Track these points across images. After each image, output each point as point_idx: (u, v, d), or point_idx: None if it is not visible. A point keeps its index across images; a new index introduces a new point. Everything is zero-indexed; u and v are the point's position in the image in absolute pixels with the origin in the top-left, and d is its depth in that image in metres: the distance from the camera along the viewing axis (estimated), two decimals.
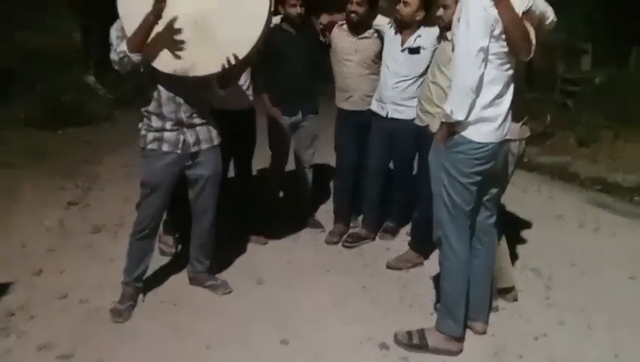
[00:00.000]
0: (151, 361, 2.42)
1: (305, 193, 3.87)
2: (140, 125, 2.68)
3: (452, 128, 2.29)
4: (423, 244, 3.31)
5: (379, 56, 3.43)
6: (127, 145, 5.34)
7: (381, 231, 3.81)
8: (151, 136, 2.64)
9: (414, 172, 3.51)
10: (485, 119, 2.26)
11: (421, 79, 3.22)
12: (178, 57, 2.45)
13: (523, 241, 3.77)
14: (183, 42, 2.44)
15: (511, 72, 2.29)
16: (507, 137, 2.40)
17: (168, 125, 2.62)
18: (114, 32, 2.48)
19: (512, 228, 3.73)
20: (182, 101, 2.61)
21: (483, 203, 2.53)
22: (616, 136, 6.11)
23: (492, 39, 2.18)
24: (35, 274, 3.09)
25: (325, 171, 4.59)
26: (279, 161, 3.71)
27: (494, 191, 2.53)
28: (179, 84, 2.56)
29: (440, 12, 2.88)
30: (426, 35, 3.19)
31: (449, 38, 2.66)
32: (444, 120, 2.31)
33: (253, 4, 2.44)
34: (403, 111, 3.30)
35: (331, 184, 4.16)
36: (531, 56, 2.30)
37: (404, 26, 3.23)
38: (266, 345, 2.55)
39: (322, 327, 2.70)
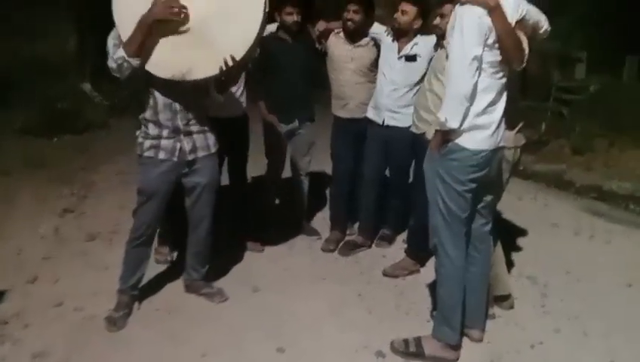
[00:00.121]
0: None
1: (301, 200, 3.87)
2: (138, 132, 2.69)
3: (446, 136, 2.31)
4: (419, 252, 3.32)
5: (375, 64, 3.45)
6: (122, 152, 5.34)
7: (377, 239, 3.80)
8: (147, 143, 2.64)
9: (410, 179, 3.51)
10: (479, 127, 2.28)
11: (417, 87, 3.24)
12: (175, 62, 2.45)
13: (519, 249, 3.78)
14: (179, 47, 2.44)
15: (504, 80, 2.31)
16: (501, 144, 2.41)
17: (165, 133, 2.63)
18: (111, 40, 2.49)
19: (508, 235, 3.74)
20: (178, 108, 2.61)
21: (478, 210, 2.53)
22: (611, 145, 6.15)
23: (486, 48, 2.20)
24: (29, 281, 3.08)
25: (321, 179, 4.60)
26: (275, 168, 3.71)
27: (489, 198, 2.54)
28: (176, 91, 2.56)
29: (437, 21, 2.91)
30: (423, 43, 3.22)
31: (445, 46, 2.68)
32: (438, 127, 2.33)
33: (248, 4, 2.44)
34: (399, 118, 3.31)
35: (327, 191, 4.16)
36: (524, 65, 2.32)
37: (401, 34, 3.26)
38: (262, 353, 2.54)
39: (318, 335, 2.70)
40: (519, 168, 3.65)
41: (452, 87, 2.23)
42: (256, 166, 3.91)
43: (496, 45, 2.21)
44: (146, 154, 2.64)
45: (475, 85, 2.21)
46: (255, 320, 2.79)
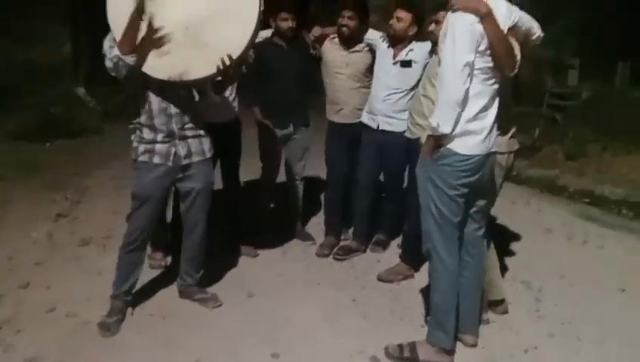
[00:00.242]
0: None
1: (295, 205, 3.87)
2: (132, 137, 2.68)
3: (438, 141, 2.32)
4: (413, 257, 3.32)
5: (370, 70, 3.47)
6: (116, 157, 5.33)
7: (372, 244, 3.81)
8: (142, 148, 2.64)
9: (405, 184, 3.52)
10: (471, 132, 2.30)
11: (412, 92, 3.26)
12: (171, 63, 2.45)
13: (513, 254, 3.79)
14: (175, 48, 2.45)
15: (496, 86, 2.33)
16: (493, 150, 2.43)
17: (160, 137, 2.63)
18: (107, 42, 2.50)
19: (502, 240, 3.75)
20: (173, 112, 2.62)
21: (471, 215, 2.55)
22: (604, 150, 6.18)
23: (477, 54, 2.21)
24: (22, 287, 3.06)
25: (316, 183, 4.60)
26: (270, 173, 3.72)
27: (482, 203, 2.55)
28: (171, 95, 2.57)
29: (432, 27, 2.92)
30: (418, 49, 3.24)
31: (438, 52, 2.70)
32: (430, 133, 2.34)
33: (244, 4, 2.45)
34: (394, 123, 3.33)
35: (322, 196, 4.16)
36: (516, 71, 2.34)
37: (396, 41, 3.28)
38: (256, 359, 2.53)
39: (313, 340, 2.69)
40: (513, 173, 3.66)
41: (444, 92, 2.25)
42: (250, 170, 3.90)
43: (488, 52, 2.23)
44: (141, 158, 2.64)
45: (467, 91, 2.23)
46: (249, 326, 2.78)
